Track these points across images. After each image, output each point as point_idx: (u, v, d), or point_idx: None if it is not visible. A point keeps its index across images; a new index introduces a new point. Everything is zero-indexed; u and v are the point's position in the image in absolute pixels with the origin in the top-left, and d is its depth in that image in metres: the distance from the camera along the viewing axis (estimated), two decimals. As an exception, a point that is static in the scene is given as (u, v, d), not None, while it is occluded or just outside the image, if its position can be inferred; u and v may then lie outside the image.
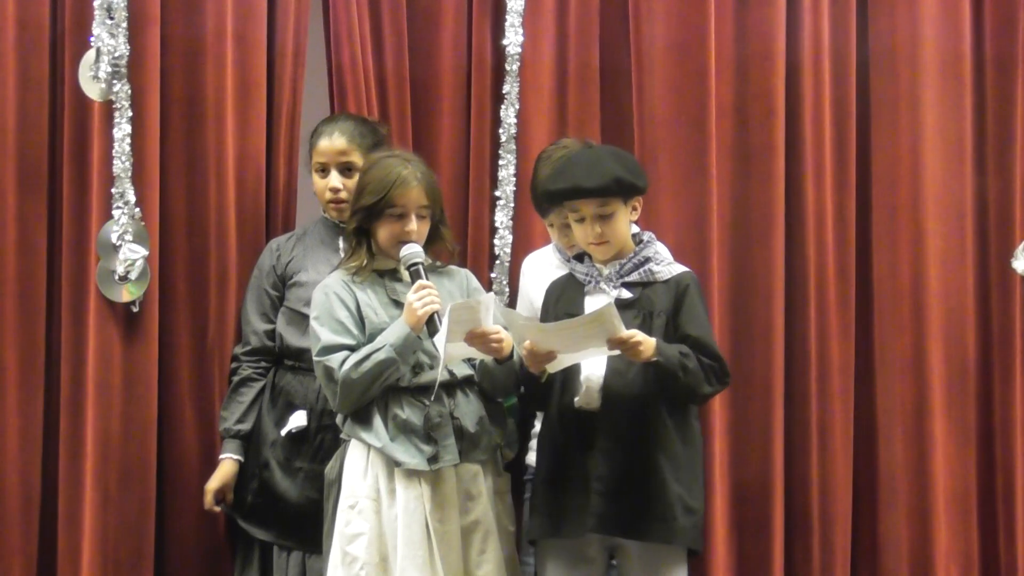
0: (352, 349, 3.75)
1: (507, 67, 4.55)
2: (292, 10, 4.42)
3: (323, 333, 3.78)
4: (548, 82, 4.61)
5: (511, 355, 3.77)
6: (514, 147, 4.55)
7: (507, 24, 4.55)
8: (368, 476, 3.75)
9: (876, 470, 4.74)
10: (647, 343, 3.63)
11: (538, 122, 4.57)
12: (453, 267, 3.98)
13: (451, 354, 3.69)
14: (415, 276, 3.78)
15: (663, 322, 3.73)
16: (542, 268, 4.20)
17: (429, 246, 3.89)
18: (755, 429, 4.62)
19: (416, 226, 3.81)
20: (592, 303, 3.76)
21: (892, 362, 4.73)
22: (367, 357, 3.71)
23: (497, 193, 4.52)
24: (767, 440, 4.62)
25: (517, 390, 3.93)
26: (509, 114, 4.55)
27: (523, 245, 4.46)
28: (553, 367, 3.69)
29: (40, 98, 4.24)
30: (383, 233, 3.83)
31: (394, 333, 3.71)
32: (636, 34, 4.64)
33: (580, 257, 3.89)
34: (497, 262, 4.47)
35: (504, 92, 4.55)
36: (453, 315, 3.61)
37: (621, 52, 4.69)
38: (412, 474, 3.72)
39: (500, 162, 4.54)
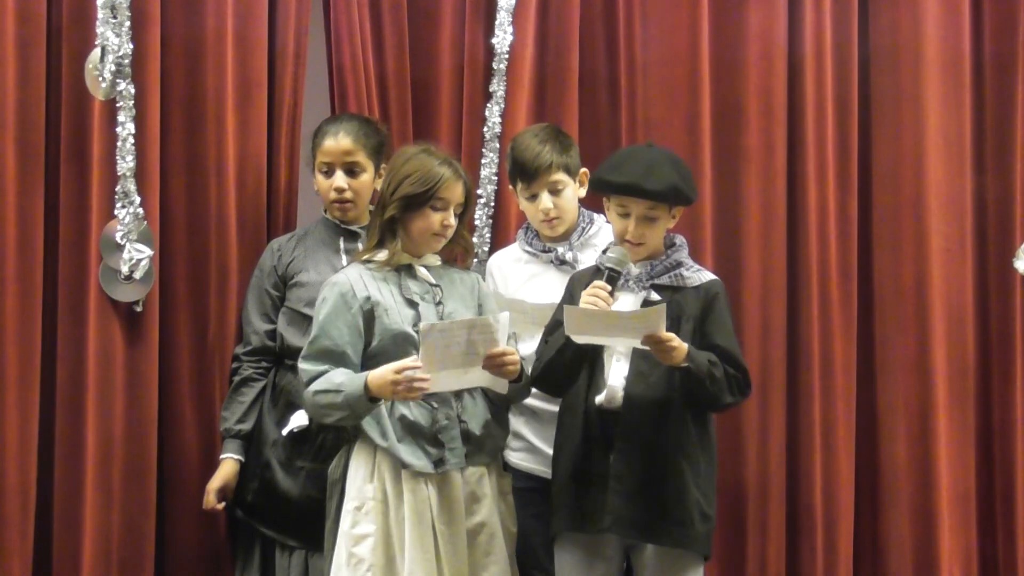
0: (341, 358, 3.73)
1: (495, 66, 4.56)
2: (293, 10, 4.42)
3: (316, 339, 3.75)
4: (529, 82, 4.62)
5: (519, 376, 3.78)
6: (497, 146, 4.55)
7: (497, 23, 4.56)
8: (375, 478, 3.74)
9: (879, 469, 4.76)
10: (680, 348, 3.62)
11: (520, 122, 4.56)
12: (465, 271, 3.99)
13: (443, 384, 3.68)
14: (611, 281, 3.73)
15: (691, 328, 3.73)
16: (508, 264, 4.20)
17: (446, 246, 3.88)
18: (757, 428, 4.64)
19: (453, 221, 3.82)
20: (619, 301, 3.74)
21: (894, 361, 4.76)
22: (329, 391, 3.69)
23: (478, 191, 4.51)
24: (769, 439, 4.64)
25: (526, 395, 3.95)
26: (494, 113, 4.56)
27: (502, 244, 4.45)
28: (582, 338, 3.66)
29: (38, 94, 4.22)
30: (419, 224, 3.81)
31: (355, 385, 3.66)
32: (627, 35, 4.66)
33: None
34: (475, 260, 4.46)
35: (491, 91, 4.57)
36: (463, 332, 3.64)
37: (601, 55, 4.70)
38: (419, 476, 3.71)
39: (483, 160, 4.55)
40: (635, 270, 3.78)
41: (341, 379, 3.69)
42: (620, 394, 3.72)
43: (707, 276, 3.83)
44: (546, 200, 4.09)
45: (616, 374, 3.74)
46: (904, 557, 4.71)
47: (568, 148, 4.12)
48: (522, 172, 4.11)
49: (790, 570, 4.67)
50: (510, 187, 4.22)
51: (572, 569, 3.79)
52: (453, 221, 3.82)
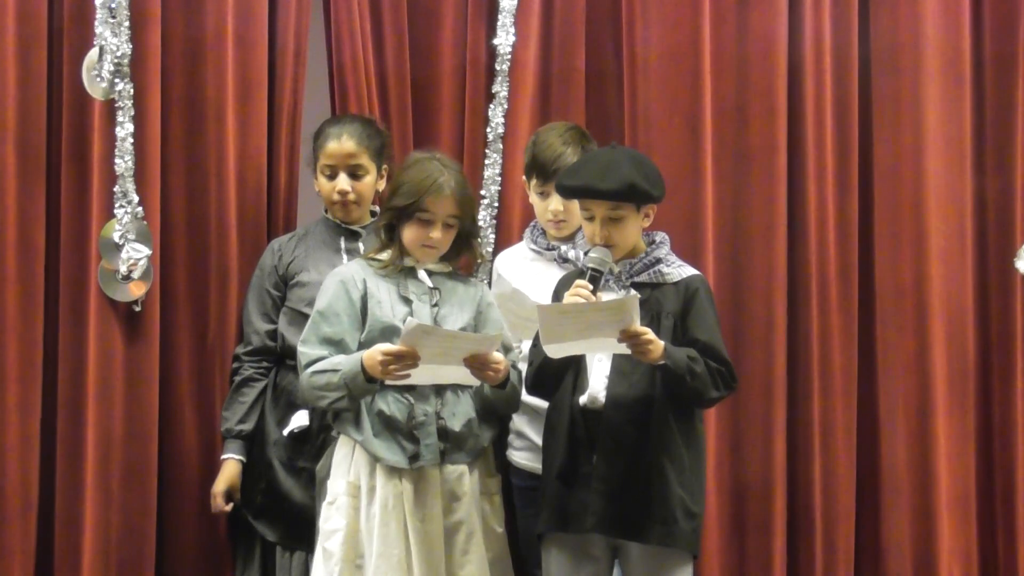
0: (339, 345, 3.75)
1: (497, 67, 4.56)
2: (293, 9, 4.42)
3: (316, 325, 3.78)
4: (534, 82, 4.61)
5: (505, 382, 3.77)
6: (501, 147, 4.55)
7: (499, 24, 4.56)
8: (351, 473, 3.76)
9: (879, 469, 4.75)
10: (657, 344, 3.61)
11: (523, 122, 4.56)
12: (473, 279, 3.98)
13: (420, 375, 3.68)
14: (593, 281, 3.70)
15: (671, 324, 3.72)
16: (514, 263, 4.20)
17: (454, 255, 3.89)
18: (757, 429, 4.63)
19: (440, 234, 3.81)
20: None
21: (894, 361, 4.75)
22: (327, 371, 3.71)
23: (481, 192, 4.51)
24: (769, 439, 4.63)
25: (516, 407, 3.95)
26: (497, 113, 4.57)
27: (505, 244, 4.45)
28: (555, 352, 3.66)
29: (39, 95, 4.22)
30: (408, 235, 3.82)
31: (352, 363, 3.68)
32: (629, 35, 4.65)
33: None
34: (479, 261, 4.46)
35: (494, 92, 4.57)
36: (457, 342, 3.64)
37: (607, 54, 4.70)
38: (393, 471, 3.73)
39: (486, 161, 4.55)
40: (615, 269, 3.77)
41: (339, 359, 3.72)
42: (602, 394, 3.72)
43: (688, 271, 3.81)
44: (556, 202, 4.08)
45: (598, 374, 3.74)
46: (903, 557, 4.70)
47: None
48: (540, 170, 4.11)
49: (790, 570, 4.66)
50: (523, 178, 4.21)
51: (559, 569, 3.77)
52: (439, 234, 3.81)
